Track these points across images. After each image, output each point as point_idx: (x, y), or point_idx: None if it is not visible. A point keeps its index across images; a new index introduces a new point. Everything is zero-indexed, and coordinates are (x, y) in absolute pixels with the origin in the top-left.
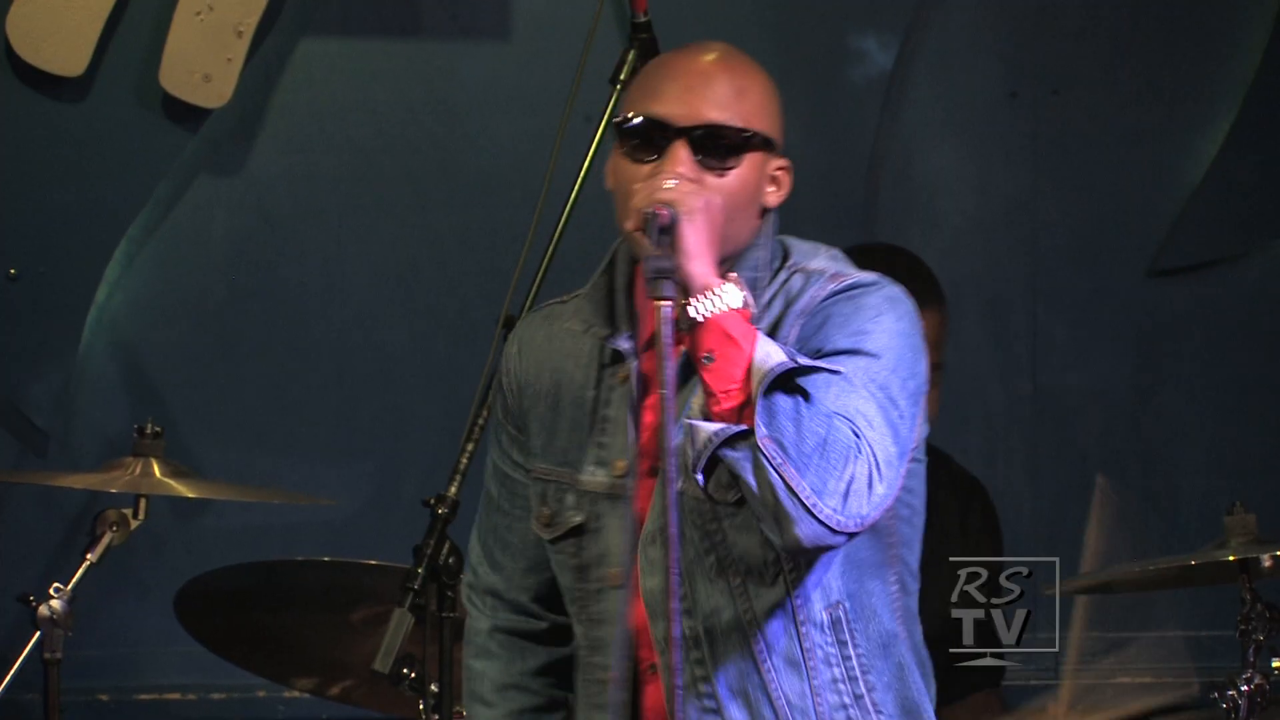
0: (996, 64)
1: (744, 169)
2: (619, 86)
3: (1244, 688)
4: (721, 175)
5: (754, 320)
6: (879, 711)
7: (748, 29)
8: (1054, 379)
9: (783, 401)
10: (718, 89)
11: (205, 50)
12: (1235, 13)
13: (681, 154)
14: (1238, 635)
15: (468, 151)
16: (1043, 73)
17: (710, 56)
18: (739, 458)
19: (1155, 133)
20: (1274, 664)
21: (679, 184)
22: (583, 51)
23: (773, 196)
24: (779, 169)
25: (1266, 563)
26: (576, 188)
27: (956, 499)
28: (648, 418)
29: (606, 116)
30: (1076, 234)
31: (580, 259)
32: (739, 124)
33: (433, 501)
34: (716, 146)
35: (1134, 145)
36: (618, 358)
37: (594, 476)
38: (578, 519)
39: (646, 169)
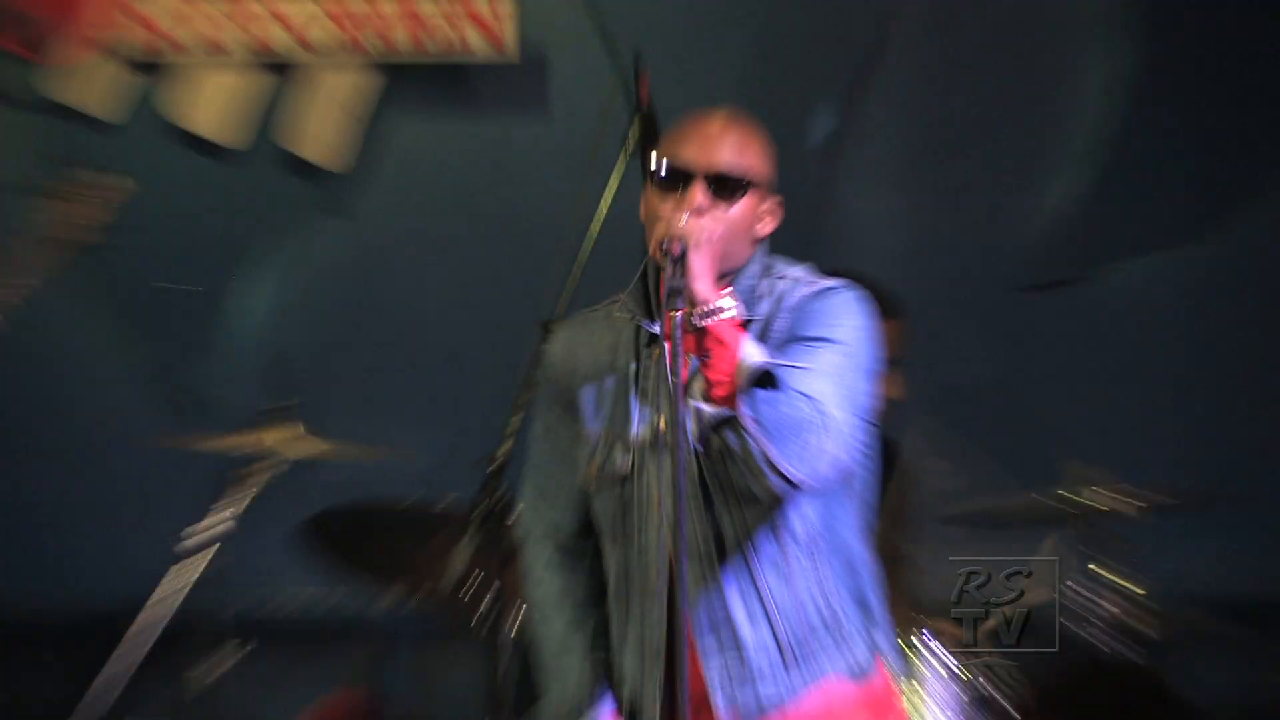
0: (913, 124)
1: (745, 204)
2: (625, 149)
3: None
4: (728, 207)
5: (750, 318)
6: (845, 613)
7: (722, 99)
8: (946, 376)
9: (762, 391)
10: (728, 142)
11: (315, 117)
12: (1095, 80)
13: (699, 190)
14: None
15: (516, 201)
16: (947, 131)
17: (722, 119)
18: (730, 433)
19: (1026, 183)
20: (1090, 565)
21: (690, 221)
22: (598, 125)
23: (765, 226)
24: (771, 205)
25: (1098, 503)
26: (596, 224)
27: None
28: None
29: (615, 173)
30: (968, 261)
31: (597, 280)
32: (743, 168)
33: (486, 459)
34: (725, 186)
35: (1008, 193)
36: (654, 339)
37: (641, 432)
38: (626, 467)
39: (671, 202)
